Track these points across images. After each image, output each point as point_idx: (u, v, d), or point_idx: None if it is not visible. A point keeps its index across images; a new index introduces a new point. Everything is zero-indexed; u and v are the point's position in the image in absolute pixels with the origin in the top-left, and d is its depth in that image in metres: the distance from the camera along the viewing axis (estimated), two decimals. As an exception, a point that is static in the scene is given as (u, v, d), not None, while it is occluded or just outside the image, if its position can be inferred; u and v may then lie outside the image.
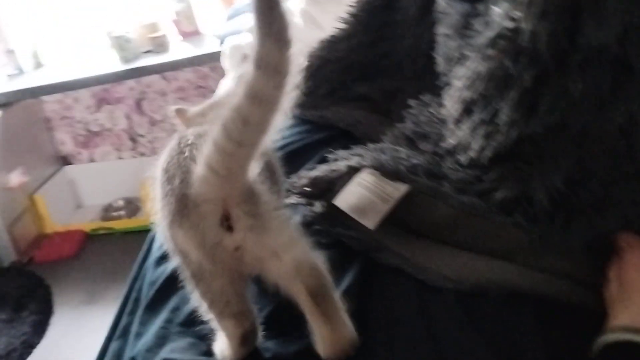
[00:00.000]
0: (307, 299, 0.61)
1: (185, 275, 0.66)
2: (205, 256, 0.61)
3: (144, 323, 0.80)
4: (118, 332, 0.87)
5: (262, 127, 0.56)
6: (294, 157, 1.02)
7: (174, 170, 0.63)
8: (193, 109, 0.82)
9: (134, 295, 0.91)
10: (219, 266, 0.62)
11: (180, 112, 0.82)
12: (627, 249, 0.65)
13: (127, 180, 2.89)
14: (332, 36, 1.20)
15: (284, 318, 0.70)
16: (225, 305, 0.65)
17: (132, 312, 0.87)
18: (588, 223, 0.68)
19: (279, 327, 0.70)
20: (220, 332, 0.68)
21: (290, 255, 0.61)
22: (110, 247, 2.64)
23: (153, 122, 2.93)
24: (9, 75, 2.71)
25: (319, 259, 0.64)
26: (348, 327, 0.63)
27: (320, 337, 0.63)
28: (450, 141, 0.80)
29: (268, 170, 0.69)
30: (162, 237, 0.67)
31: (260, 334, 0.68)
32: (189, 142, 0.65)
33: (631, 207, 0.67)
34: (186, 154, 0.63)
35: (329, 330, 0.62)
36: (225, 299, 0.64)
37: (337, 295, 0.64)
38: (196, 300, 0.67)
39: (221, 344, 0.68)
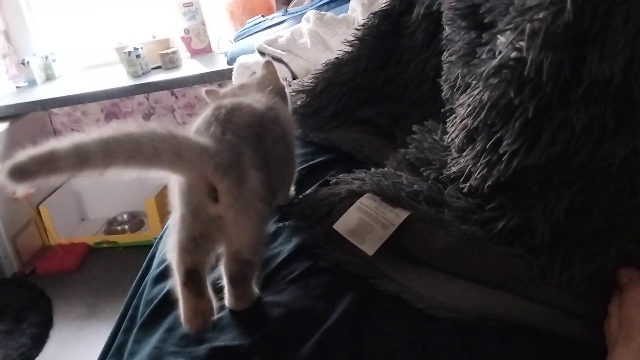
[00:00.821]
0: (228, 278, 0.74)
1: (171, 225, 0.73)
2: (189, 211, 0.69)
3: (139, 342, 0.79)
4: (113, 350, 0.86)
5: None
6: (296, 179, 1.02)
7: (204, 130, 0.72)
8: (223, 90, 0.93)
9: (130, 312, 0.91)
10: (198, 220, 0.69)
11: (211, 92, 0.94)
12: (629, 284, 0.64)
13: (132, 195, 2.91)
14: (337, 58, 1.21)
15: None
16: (181, 241, 0.70)
17: (128, 330, 0.87)
18: (589, 256, 0.67)
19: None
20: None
21: (237, 245, 0.71)
22: (113, 261, 2.64)
23: (160, 138, 2.94)
24: (18, 87, 2.74)
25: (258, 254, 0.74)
26: (249, 299, 0.75)
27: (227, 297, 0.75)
28: (453, 169, 0.80)
29: (270, 166, 0.76)
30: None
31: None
32: (222, 110, 0.74)
33: (632, 242, 0.67)
34: (219, 116, 0.73)
35: (234, 299, 0.75)
36: (185, 238, 0.70)
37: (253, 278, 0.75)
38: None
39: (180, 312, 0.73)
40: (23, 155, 0.57)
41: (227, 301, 0.75)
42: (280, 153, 0.80)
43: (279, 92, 0.94)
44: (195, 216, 0.69)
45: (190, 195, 0.68)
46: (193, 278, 0.70)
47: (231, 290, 0.74)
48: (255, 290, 0.76)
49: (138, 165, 0.64)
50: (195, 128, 0.73)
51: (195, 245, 0.70)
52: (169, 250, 0.73)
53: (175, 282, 0.72)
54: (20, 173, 0.57)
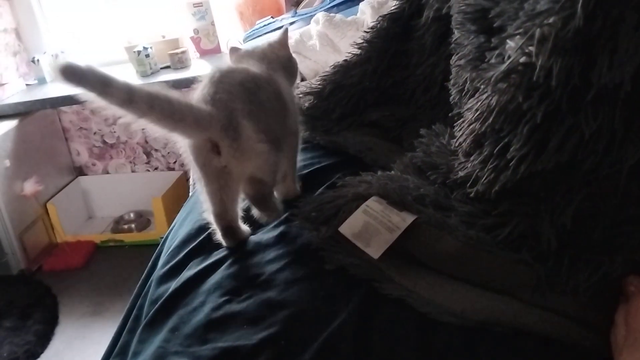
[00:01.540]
0: (250, 199, 0.89)
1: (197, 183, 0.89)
2: (200, 168, 0.83)
3: (143, 342, 0.80)
4: (117, 349, 0.87)
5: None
6: (303, 181, 1.02)
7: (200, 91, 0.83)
8: (242, 50, 1.03)
9: (135, 312, 0.91)
10: (210, 177, 0.84)
11: (233, 50, 1.03)
12: (635, 293, 0.64)
13: (139, 194, 2.92)
14: (346, 61, 1.21)
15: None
16: (215, 203, 0.87)
17: (132, 330, 0.87)
18: (595, 264, 0.67)
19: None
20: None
21: (251, 175, 0.85)
22: (119, 259, 2.65)
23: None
24: (28, 84, 2.75)
25: (271, 175, 0.87)
26: (275, 210, 0.91)
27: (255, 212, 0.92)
28: (460, 173, 0.80)
29: (267, 115, 0.86)
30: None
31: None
32: (217, 73, 0.85)
33: (639, 250, 0.66)
34: (212, 78, 0.84)
35: (261, 214, 0.91)
36: (215, 198, 0.86)
37: (272, 193, 0.90)
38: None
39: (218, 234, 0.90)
40: (85, 63, 0.68)
41: (256, 215, 0.92)
42: (275, 107, 0.89)
43: (283, 63, 1.01)
44: (206, 171, 0.83)
45: (197, 155, 0.82)
46: (229, 232, 0.89)
47: (257, 208, 0.90)
48: (280, 204, 0.92)
49: (165, 125, 0.76)
50: (197, 90, 0.84)
51: (222, 204, 0.86)
52: (205, 212, 0.90)
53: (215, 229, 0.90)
54: (72, 73, 0.67)
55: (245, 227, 0.92)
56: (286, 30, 1.04)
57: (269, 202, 0.89)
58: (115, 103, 0.70)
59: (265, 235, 0.90)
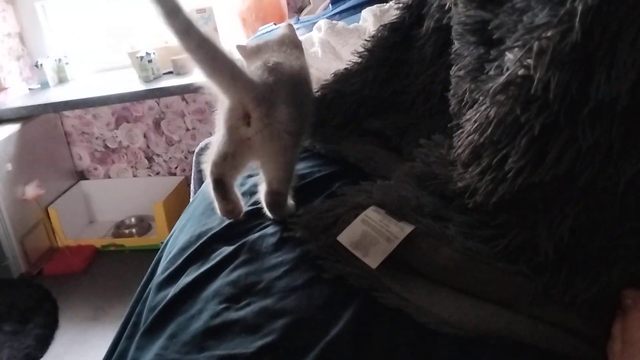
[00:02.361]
0: (266, 206, 0.93)
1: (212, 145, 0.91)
2: (226, 130, 0.86)
3: (141, 349, 0.80)
4: (115, 356, 0.87)
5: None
6: (303, 190, 1.02)
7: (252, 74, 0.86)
8: (250, 46, 1.03)
9: (133, 319, 0.91)
10: (231, 139, 0.86)
11: (240, 47, 1.02)
12: (632, 306, 0.64)
13: (140, 199, 2.92)
14: (347, 69, 1.21)
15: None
16: (218, 157, 0.88)
17: (131, 337, 0.87)
18: (593, 276, 0.67)
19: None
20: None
21: (266, 171, 0.90)
22: (119, 264, 2.65)
23: (170, 142, 2.96)
24: (31, 89, 2.77)
25: (286, 185, 0.92)
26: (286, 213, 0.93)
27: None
28: (458, 184, 0.80)
29: (298, 104, 0.90)
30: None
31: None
32: (270, 62, 0.89)
33: (637, 263, 0.66)
34: (267, 64, 0.88)
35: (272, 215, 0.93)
36: (219, 153, 0.88)
37: (287, 201, 0.93)
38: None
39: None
40: None
41: (267, 213, 0.94)
42: (307, 109, 0.96)
43: (297, 47, 1.06)
44: (230, 135, 0.86)
45: (228, 116, 0.85)
46: (219, 186, 0.91)
47: (270, 212, 0.93)
48: (291, 203, 0.95)
49: (206, 69, 0.82)
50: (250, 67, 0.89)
51: (224, 160, 0.88)
52: (206, 162, 0.91)
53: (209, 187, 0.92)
54: None
55: (240, 197, 0.95)
56: (290, 24, 1.09)
57: (282, 210, 0.93)
58: (174, 29, 0.78)
59: (264, 242, 0.91)
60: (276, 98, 0.84)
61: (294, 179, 0.96)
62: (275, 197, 0.91)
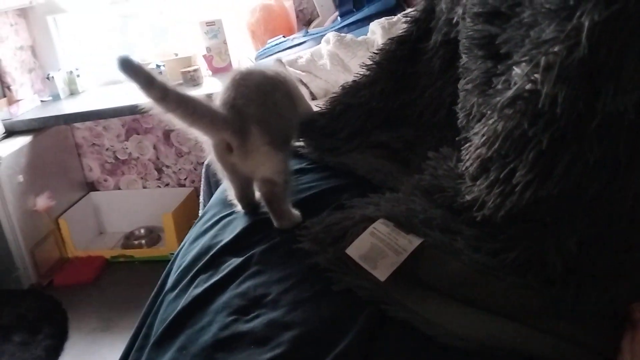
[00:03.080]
0: (263, 199, 1.00)
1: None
2: (221, 163, 1.00)
3: (151, 360, 0.80)
4: (125, 367, 0.87)
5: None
6: (311, 202, 1.03)
7: (222, 94, 0.98)
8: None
9: (144, 331, 0.92)
10: (227, 169, 1.00)
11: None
12: (641, 319, 0.64)
13: (150, 210, 2.93)
14: (355, 81, 1.22)
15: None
16: (235, 188, 1.05)
17: (141, 349, 0.88)
18: (601, 289, 0.67)
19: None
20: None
21: (260, 175, 0.98)
22: (129, 275, 2.66)
23: (180, 154, 2.97)
24: (42, 101, 2.79)
25: (280, 176, 0.98)
26: (290, 218, 0.99)
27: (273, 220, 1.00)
28: (466, 197, 0.80)
29: (281, 113, 1.01)
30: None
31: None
32: (237, 75, 1.00)
33: (646, 277, 0.66)
34: (234, 79, 0.99)
35: (275, 218, 0.99)
36: (234, 186, 1.04)
37: (286, 198, 1.00)
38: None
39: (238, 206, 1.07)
40: (139, 61, 0.86)
41: (275, 223, 0.99)
42: (287, 105, 1.04)
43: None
44: (222, 164, 0.99)
45: (215, 150, 0.97)
46: (250, 208, 1.05)
47: (270, 211, 0.99)
48: (296, 213, 0.99)
49: (187, 122, 0.91)
50: (220, 91, 0.99)
51: (240, 189, 1.04)
52: (229, 193, 1.08)
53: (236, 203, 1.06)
54: (127, 65, 0.85)
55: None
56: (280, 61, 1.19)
57: (282, 206, 0.99)
58: (153, 98, 0.87)
59: (273, 254, 0.91)
60: (246, 122, 0.93)
61: (291, 178, 1.05)
62: (270, 187, 0.98)
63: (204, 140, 0.99)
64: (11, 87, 2.79)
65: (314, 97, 1.86)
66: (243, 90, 0.96)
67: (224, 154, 0.96)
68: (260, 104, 0.96)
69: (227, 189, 1.08)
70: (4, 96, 2.78)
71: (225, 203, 1.12)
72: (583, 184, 0.66)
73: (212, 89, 2.40)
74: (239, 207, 1.06)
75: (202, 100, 0.92)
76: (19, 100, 2.70)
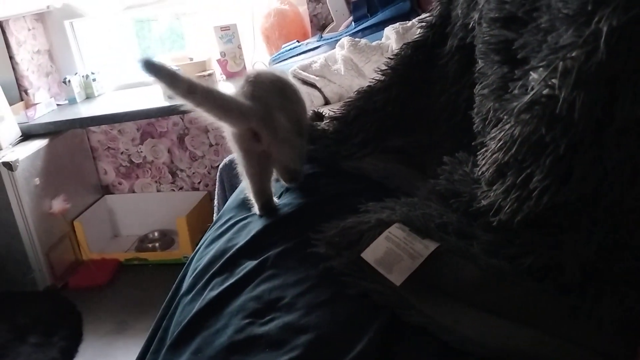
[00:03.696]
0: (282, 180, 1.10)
1: (239, 168, 1.07)
2: (245, 155, 1.02)
3: (166, 363, 0.81)
4: (141, 370, 0.88)
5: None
6: (326, 205, 1.03)
7: (239, 89, 1.01)
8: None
9: (160, 334, 0.92)
10: (252, 160, 1.02)
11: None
12: (660, 327, 0.63)
13: (164, 213, 2.95)
14: (370, 86, 1.22)
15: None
16: (254, 184, 1.05)
17: (157, 352, 0.88)
18: (620, 296, 0.66)
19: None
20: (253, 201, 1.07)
21: (283, 162, 1.05)
22: (143, 278, 2.67)
23: (194, 158, 2.99)
24: (59, 104, 2.82)
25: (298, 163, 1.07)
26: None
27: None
28: (483, 202, 0.80)
29: (295, 107, 1.07)
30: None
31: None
32: (251, 75, 1.03)
33: (665, 284, 0.66)
34: (249, 79, 1.02)
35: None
36: (254, 180, 1.05)
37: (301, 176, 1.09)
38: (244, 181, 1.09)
39: (255, 208, 1.07)
40: (163, 60, 0.90)
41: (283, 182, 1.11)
42: (296, 100, 1.09)
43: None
44: (248, 154, 1.02)
45: (241, 141, 1.00)
46: (267, 207, 1.06)
47: (288, 183, 1.10)
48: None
49: (216, 114, 0.94)
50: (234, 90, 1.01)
51: (261, 183, 1.05)
52: (246, 191, 1.09)
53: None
54: (150, 65, 0.88)
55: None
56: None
57: (298, 177, 1.10)
58: (179, 93, 0.89)
59: (288, 257, 0.91)
60: (271, 110, 0.97)
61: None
62: (292, 174, 1.08)
63: (228, 133, 1.01)
64: (28, 91, 2.83)
65: (327, 102, 1.86)
66: (260, 85, 1.00)
67: (251, 144, 0.99)
68: (278, 95, 1.02)
69: (245, 188, 1.10)
70: (21, 100, 2.82)
71: (241, 207, 1.12)
72: (601, 190, 0.66)
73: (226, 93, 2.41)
74: (255, 208, 1.07)
75: (226, 93, 0.96)
76: (35, 104, 2.73)
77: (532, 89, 0.70)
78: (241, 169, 1.06)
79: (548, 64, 0.68)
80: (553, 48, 0.68)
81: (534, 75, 0.71)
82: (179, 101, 0.92)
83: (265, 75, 1.06)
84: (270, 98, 0.99)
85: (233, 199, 1.21)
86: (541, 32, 0.75)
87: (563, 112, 0.65)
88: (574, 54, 0.64)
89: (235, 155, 1.06)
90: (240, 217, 1.08)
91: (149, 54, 0.86)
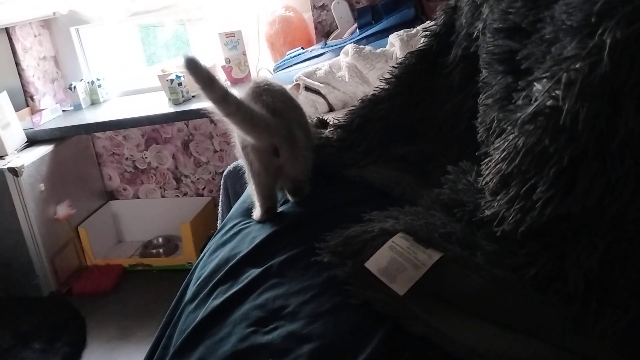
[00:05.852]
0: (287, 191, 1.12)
1: (248, 173, 1.08)
2: (262, 167, 1.03)
3: (170, 372, 0.81)
4: (144, 378, 0.88)
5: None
6: (329, 214, 1.03)
7: (255, 97, 1.03)
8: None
9: (163, 342, 0.92)
10: (269, 173, 1.04)
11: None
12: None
13: (168, 219, 2.95)
14: (374, 95, 1.23)
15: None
16: (263, 190, 1.06)
17: (160, 359, 0.88)
18: (623, 307, 0.66)
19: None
20: (257, 205, 1.09)
21: (294, 175, 1.07)
22: (146, 284, 2.67)
23: (198, 164, 2.99)
24: (64, 110, 2.83)
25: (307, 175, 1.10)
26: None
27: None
28: (486, 212, 0.80)
29: (300, 117, 1.08)
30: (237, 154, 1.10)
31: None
32: (261, 84, 1.05)
33: (668, 295, 0.66)
34: (263, 86, 1.05)
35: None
36: (265, 188, 1.06)
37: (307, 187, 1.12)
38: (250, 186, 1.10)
39: (257, 212, 1.09)
40: (204, 63, 0.89)
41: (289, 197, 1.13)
42: (302, 111, 1.11)
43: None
44: (266, 167, 1.03)
45: (261, 155, 1.01)
46: (271, 212, 1.08)
47: (291, 196, 1.12)
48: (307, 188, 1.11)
49: (244, 127, 0.96)
50: (244, 97, 1.02)
51: (271, 191, 1.07)
52: (252, 194, 1.11)
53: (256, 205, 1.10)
54: (192, 65, 0.88)
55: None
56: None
57: (303, 193, 1.11)
58: (213, 99, 0.90)
59: (291, 266, 0.91)
60: (292, 126, 1.01)
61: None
62: (298, 184, 1.10)
63: (239, 141, 1.04)
64: (34, 97, 2.84)
65: (331, 109, 1.87)
66: (278, 96, 1.03)
67: (271, 158, 1.01)
68: (294, 108, 1.05)
69: (250, 194, 1.12)
70: (27, 106, 2.83)
71: (245, 215, 1.12)
72: (605, 201, 0.66)
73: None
74: (255, 214, 1.09)
75: (256, 108, 0.97)
76: (41, 110, 2.74)
77: (536, 99, 0.71)
78: (249, 174, 1.07)
79: (552, 75, 0.68)
80: (557, 59, 0.69)
81: (537, 86, 0.72)
82: (207, 105, 0.93)
83: (276, 86, 1.07)
84: (290, 112, 1.02)
85: (237, 206, 1.22)
86: (545, 43, 0.75)
87: (567, 123, 0.65)
88: (577, 66, 0.65)
89: (243, 162, 1.07)
90: (245, 225, 1.08)
91: (194, 54, 0.90)
